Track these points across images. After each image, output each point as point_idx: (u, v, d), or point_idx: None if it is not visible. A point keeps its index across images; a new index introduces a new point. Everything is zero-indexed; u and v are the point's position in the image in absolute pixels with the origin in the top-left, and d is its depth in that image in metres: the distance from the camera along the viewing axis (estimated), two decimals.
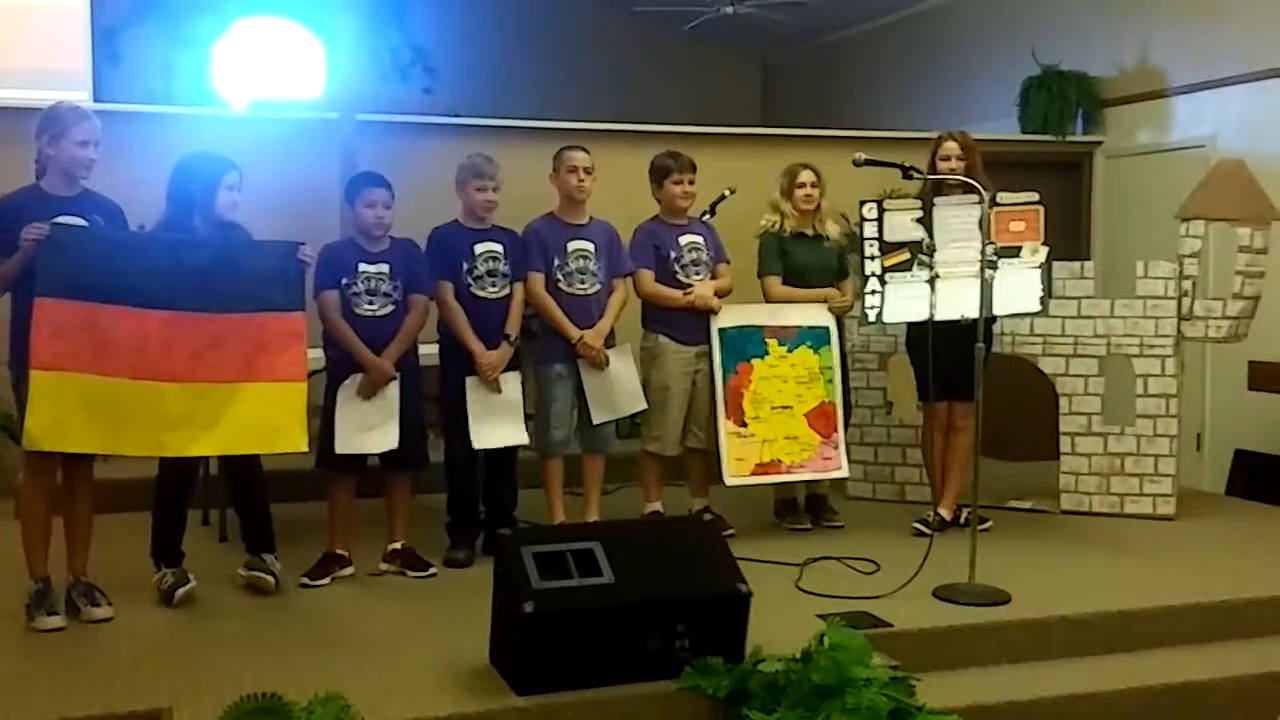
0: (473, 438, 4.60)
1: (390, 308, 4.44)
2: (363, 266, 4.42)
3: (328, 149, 6.11)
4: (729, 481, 4.98)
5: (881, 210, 5.02)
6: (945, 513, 5.17)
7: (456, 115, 7.16)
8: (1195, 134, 7.14)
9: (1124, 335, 5.49)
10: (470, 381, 4.62)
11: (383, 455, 4.43)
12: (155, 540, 4.18)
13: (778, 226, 5.19)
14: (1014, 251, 4.90)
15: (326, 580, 4.36)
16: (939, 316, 4.74)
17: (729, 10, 9.00)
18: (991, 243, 4.68)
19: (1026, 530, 5.26)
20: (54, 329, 3.71)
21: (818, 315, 5.14)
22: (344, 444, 4.35)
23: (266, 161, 5.34)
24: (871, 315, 5.03)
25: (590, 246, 4.85)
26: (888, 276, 4.97)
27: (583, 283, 4.82)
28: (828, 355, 5.11)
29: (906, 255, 4.94)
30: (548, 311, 4.80)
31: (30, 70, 6.75)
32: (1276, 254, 5.46)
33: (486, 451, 4.68)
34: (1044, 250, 4.91)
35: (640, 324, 5.12)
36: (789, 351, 5.09)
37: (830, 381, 5.10)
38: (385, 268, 4.44)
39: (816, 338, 5.11)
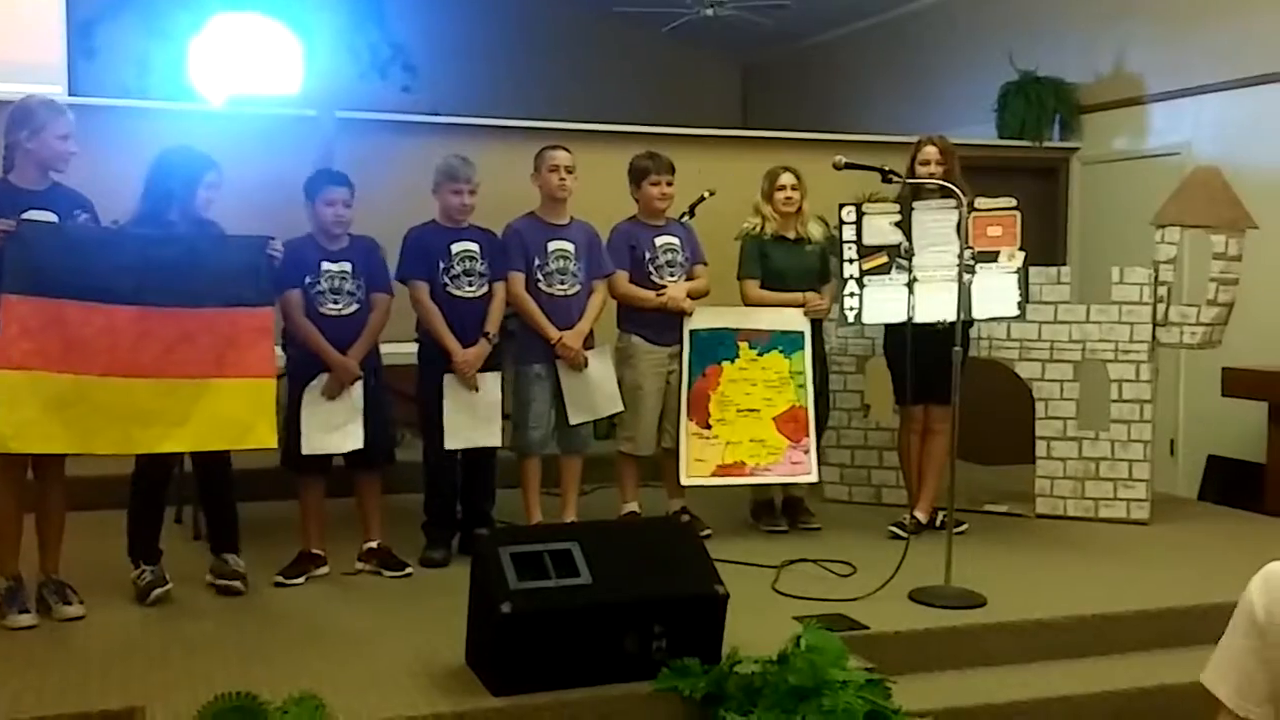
0: (446, 438, 4.59)
1: (355, 306, 4.42)
2: (325, 265, 4.38)
3: (306, 146, 6.05)
4: (684, 481, 4.98)
5: (860, 213, 5.02)
6: (921, 515, 5.18)
7: (436, 114, 7.14)
8: (1171, 141, 7.20)
9: (1099, 340, 5.52)
10: (448, 380, 4.60)
11: (348, 455, 4.41)
12: (132, 538, 4.14)
13: (759, 229, 5.19)
14: (991, 256, 4.91)
15: (301, 580, 4.34)
16: (917, 319, 4.75)
17: (709, 12, 8.99)
18: (969, 247, 4.70)
19: (1002, 534, 5.28)
20: (21, 327, 3.65)
21: (791, 319, 5.13)
22: (310, 444, 4.32)
23: (244, 158, 5.27)
24: (850, 316, 5.04)
25: (571, 247, 4.84)
26: (866, 279, 4.98)
27: (563, 283, 4.81)
28: (799, 360, 5.09)
29: (885, 259, 4.95)
30: (527, 312, 4.79)
31: (3, 63, 6.68)
32: (1251, 261, 5.50)
33: (464, 451, 4.67)
34: (1021, 255, 4.93)
35: (615, 324, 5.11)
36: (760, 355, 5.08)
37: (801, 386, 5.08)
38: (348, 266, 4.41)
39: (789, 342, 5.10)
